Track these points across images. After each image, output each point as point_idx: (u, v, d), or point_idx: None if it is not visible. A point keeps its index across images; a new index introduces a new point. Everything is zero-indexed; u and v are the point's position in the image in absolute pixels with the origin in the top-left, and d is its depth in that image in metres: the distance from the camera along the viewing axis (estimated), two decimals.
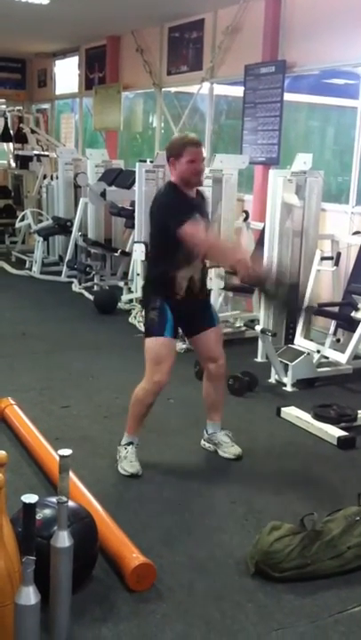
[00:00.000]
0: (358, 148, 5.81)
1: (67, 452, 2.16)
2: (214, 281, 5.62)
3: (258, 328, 4.88)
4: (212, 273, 5.46)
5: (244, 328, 5.90)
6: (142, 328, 6.01)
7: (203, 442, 3.73)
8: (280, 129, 6.57)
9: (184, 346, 5.10)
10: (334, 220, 5.90)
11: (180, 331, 3.52)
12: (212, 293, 4.69)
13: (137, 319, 6.31)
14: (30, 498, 1.96)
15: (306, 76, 6.78)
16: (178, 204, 3.26)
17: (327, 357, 4.94)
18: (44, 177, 9.75)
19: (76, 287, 7.77)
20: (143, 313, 3.66)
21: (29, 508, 1.95)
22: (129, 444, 3.42)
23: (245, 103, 6.99)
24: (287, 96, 6.60)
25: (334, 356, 4.86)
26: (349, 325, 4.81)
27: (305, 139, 8.06)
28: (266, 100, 6.68)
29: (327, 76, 6.93)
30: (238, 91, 7.21)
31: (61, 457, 2.16)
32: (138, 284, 6.84)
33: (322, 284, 5.47)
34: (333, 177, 7.06)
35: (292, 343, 5.01)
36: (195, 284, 3.36)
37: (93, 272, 7.76)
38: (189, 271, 3.32)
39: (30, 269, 8.57)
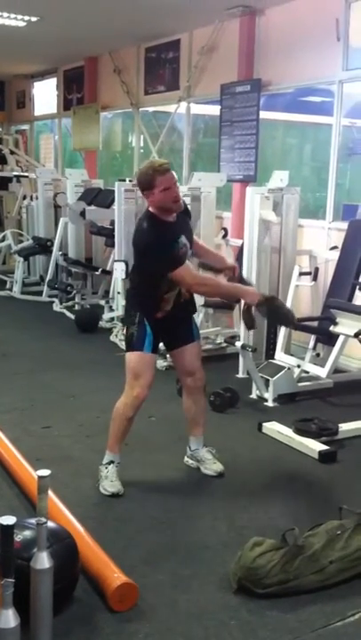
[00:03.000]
0: (334, 164, 5.89)
1: (45, 472, 2.16)
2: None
3: (238, 344, 4.91)
4: None
5: (224, 344, 5.91)
6: (123, 345, 6.08)
7: (186, 458, 3.73)
8: (257, 147, 6.65)
9: (165, 363, 5.11)
10: (312, 235, 5.95)
11: (162, 345, 3.54)
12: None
13: (118, 337, 6.30)
14: (7, 520, 1.95)
15: (281, 94, 6.87)
16: (163, 241, 3.21)
17: (307, 372, 4.97)
18: (24, 197, 9.76)
19: (57, 307, 7.76)
20: (125, 329, 3.66)
21: (7, 530, 1.95)
22: (110, 462, 3.41)
23: (222, 122, 7.06)
24: (263, 114, 6.69)
25: (314, 370, 4.88)
26: (329, 340, 4.83)
27: (282, 156, 8.15)
28: (242, 118, 6.75)
29: (302, 93, 7.04)
30: (215, 109, 7.29)
31: (40, 477, 2.15)
32: (119, 302, 6.85)
33: (301, 299, 5.51)
34: (311, 193, 7.13)
35: (273, 358, 5.03)
36: (183, 295, 3.38)
37: (74, 291, 7.75)
38: (175, 290, 3.34)
39: (11, 290, 8.54)
